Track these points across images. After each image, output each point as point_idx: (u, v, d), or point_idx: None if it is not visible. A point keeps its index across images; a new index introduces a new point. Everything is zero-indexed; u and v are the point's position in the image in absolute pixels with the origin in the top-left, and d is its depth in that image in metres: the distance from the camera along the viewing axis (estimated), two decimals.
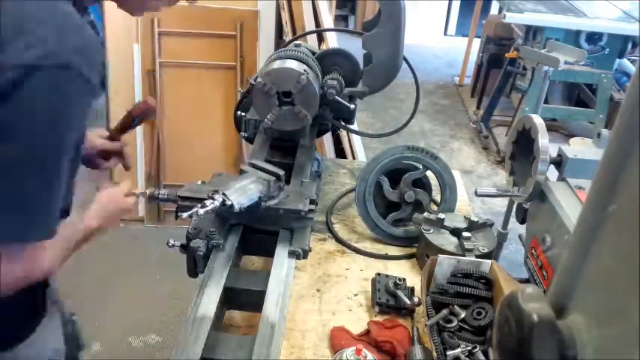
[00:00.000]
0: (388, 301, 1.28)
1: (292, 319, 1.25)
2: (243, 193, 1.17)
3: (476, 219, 1.48)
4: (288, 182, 1.45)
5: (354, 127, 1.93)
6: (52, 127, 0.92)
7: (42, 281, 1.23)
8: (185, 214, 1.11)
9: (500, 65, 4.69)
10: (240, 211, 1.23)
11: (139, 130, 3.24)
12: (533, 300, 0.49)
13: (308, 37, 2.82)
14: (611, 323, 0.46)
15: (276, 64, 1.40)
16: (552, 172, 1.28)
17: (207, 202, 1.11)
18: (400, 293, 1.27)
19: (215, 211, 1.16)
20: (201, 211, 1.10)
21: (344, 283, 1.40)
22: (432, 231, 1.46)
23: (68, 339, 1.51)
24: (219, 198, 1.12)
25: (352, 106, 1.58)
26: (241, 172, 1.26)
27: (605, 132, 1.36)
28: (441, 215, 1.47)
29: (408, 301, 1.26)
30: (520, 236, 1.47)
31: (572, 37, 4.11)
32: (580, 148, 1.32)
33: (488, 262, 1.27)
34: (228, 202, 1.13)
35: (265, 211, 1.24)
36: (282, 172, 1.26)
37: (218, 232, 1.22)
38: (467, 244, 1.39)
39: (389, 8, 1.46)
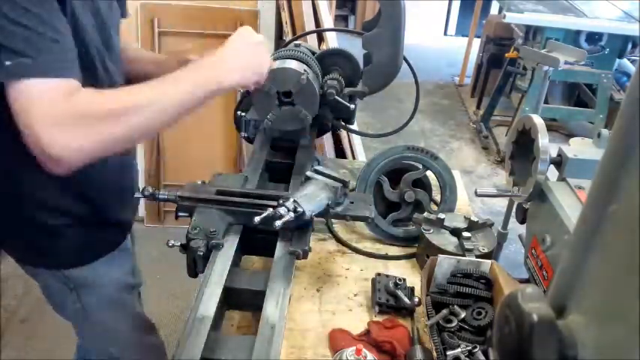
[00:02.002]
0: (388, 301, 1.28)
1: (292, 319, 1.25)
2: (312, 199, 1.18)
3: (476, 219, 1.48)
4: (288, 182, 1.45)
5: (354, 127, 1.93)
6: None
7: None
8: (258, 219, 1.11)
9: (500, 65, 4.69)
10: (240, 211, 1.23)
11: None
12: (533, 300, 0.49)
13: (308, 37, 2.82)
14: (611, 323, 0.46)
15: (276, 64, 1.40)
16: (552, 172, 1.28)
17: (282, 211, 1.11)
18: (400, 293, 1.27)
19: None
20: (279, 223, 1.10)
21: (344, 283, 1.40)
22: (432, 231, 1.46)
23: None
24: (290, 205, 1.13)
25: (352, 106, 1.58)
26: (307, 178, 1.27)
27: (605, 132, 1.36)
28: (441, 215, 1.47)
29: (408, 301, 1.26)
30: (520, 236, 1.47)
31: (572, 37, 4.11)
32: (580, 148, 1.32)
33: (488, 262, 1.27)
34: (300, 210, 1.13)
35: (334, 217, 1.26)
36: (347, 180, 1.27)
37: (218, 232, 1.22)
38: (467, 244, 1.39)
39: (389, 8, 1.46)
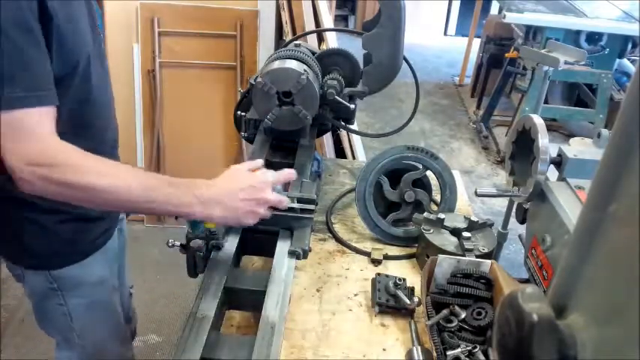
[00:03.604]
0: (388, 301, 1.28)
1: (292, 319, 1.25)
2: None
3: (476, 219, 1.48)
4: (288, 182, 1.45)
5: (354, 127, 1.93)
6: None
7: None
8: None
9: (500, 65, 4.69)
10: None
11: (139, 129, 3.24)
12: (533, 300, 0.49)
13: (308, 37, 2.82)
14: (611, 323, 0.46)
15: (276, 64, 1.40)
16: (552, 172, 1.28)
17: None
18: (400, 293, 1.27)
19: None
20: None
21: (344, 283, 1.40)
22: (432, 231, 1.46)
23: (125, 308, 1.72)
24: None
25: (352, 106, 1.58)
26: None
27: (605, 132, 1.36)
28: (441, 215, 1.47)
29: (408, 301, 1.26)
30: (520, 236, 1.47)
31: (572, 37, 4.11)
32: (580, 148, 1.32)
33: (488, 262, 1.27)
34: None
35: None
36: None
37: (218, 232, 1.22)
38: (467, 244, 1.39)
39: (389, 8, 1.46)
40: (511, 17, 4.12)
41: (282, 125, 1.46)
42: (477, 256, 1.35)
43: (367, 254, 1.50)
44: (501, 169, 4.41)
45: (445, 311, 1.21)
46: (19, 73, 1.00)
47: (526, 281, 1.35)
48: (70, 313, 1.42)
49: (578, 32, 4.13)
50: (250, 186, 1.12)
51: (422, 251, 1.47)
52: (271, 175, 1.16)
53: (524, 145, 1.30)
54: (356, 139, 2.90)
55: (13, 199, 1.24)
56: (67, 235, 1.33)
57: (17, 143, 1.00)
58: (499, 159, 4.52)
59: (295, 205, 1.25)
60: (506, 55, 4.43)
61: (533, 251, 1.28)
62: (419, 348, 1.15)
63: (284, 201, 1.17)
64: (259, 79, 1.40)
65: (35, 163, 1.00)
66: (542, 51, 3.09)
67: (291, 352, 1.18)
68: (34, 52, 1.02)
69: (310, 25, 3.00)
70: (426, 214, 1.49)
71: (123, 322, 1.59)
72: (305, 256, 1.23)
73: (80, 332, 1.47)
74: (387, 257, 1.50)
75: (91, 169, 1.02)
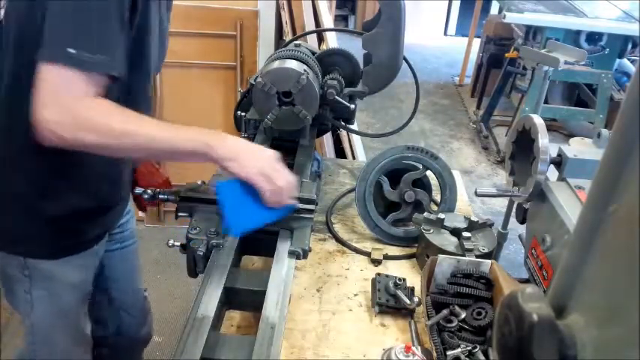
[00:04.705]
0: (388, 301, 1.28)
1: (292, 319, 1.25)
2: None
3: (476, 219, 1.48)
4: None
5: (354, 127, 1.93)
6: None
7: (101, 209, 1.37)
8: None
9: (500, 65, 4.69)
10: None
11: None
12: (533, 300, 0.49)
13: (308, 37, 2.82)
14: (610, 323, 0.46)
15: (276, 64, 1.40)
16: (552, 172, 1.28)
17: None
18: (400, 293, 1.27)
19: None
20: None
21: (344, 283, 1.40)
22: (432, 231, 1.46)
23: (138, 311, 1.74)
24: None
25: (352, 106, 1.58)
26: None
27: (605, 132, 1.36)
28: (441, 215, 1.47)
29: (408, 301, 1.26)
30: (520, 236, 1.47)
31: (572, 37, 4.11)
32: (580, 148, 1.32)
33: (488, 262, 1.27)
34: None
35: None
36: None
37: (218, 232, 1.22)
38: (467, 244, 1.39)
39: (389, 8, 1.46)
40: (511, 17, 4.12)
41: (282, 125, 1.46)
42: (477, 256, 1.35)
43: (367, 254, 1.50)
44: (501, 169, 4.41)
45: (445, 311, 1.21)
46: (95, 33, 1.04)
47: (526, 281, 1.35)
48: (32, 302, 1.38)
49: (578, 32, 4.13)
50: (274, 168, 1.19)
51: (422, 251, 1.47)
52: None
53: (524, 145, 1.30)
54: (356, 139, 2.90)
55: (15, 167, 1.24)
56: (48, 229, 1.30)
57: (60, 102, 1.03)
58: (499, 159, 4.52)
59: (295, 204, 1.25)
60: (506, 55, 4.43)
61: (533, 251, 1.28)
62: (419, 348, 1.15)
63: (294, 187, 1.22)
64: (259, 79, 1.40)
65: (74, 112, 1.04)
66: (542, 51, 3.09)
67: (291, 352, 1.18)
68: (116, 19, 1.06)
69: (310, 25, 3.00)
70: (426, 214, 1.49)
71: (84, 330, 1.52)
72: (305, 256, 1.23)
73: (36, 325, 1.43)
74: (387, 257, 1.50)
75: (129, 119, 1.10)
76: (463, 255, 1.36)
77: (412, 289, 1.31)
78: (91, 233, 1.38)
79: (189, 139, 1.13)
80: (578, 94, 4.70)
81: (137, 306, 1.76)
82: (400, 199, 1.57)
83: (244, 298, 1.18)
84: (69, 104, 1.03)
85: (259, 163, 1.17)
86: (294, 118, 1.43)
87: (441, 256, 1.28)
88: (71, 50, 1.01)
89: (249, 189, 1.17)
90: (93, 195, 1.33)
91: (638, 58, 4.33)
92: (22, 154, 1.21)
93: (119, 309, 1.69)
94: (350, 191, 1.77)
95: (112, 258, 1.54)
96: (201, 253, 1.18)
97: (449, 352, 1.12)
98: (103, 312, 1.65)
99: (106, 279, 1.58)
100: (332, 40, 2.94)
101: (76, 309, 1.46)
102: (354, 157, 2.80)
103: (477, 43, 5.76)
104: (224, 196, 1.19)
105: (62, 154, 1.10)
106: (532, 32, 4.26)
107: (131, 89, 1.23)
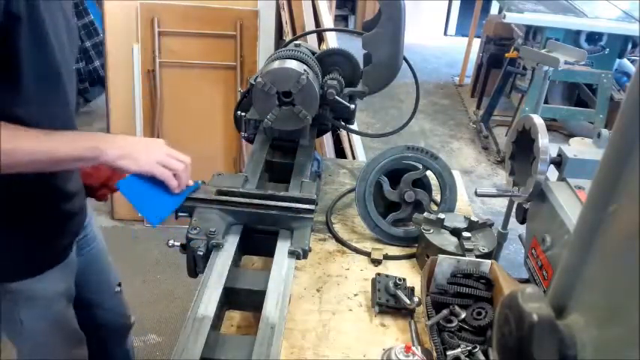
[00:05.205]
0: (388, 301, 1.28)
1: (292, 319, 1.25)
2: None
3: (476, 219, 1.48)
4: (288, 182, 1.45)
5: (354, 127, 1.93)
6: None
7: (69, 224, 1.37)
8: None
9: (500, 65, 4.69)
10: (240, 211, 1.23)
11: (139, 129, 3.24)
12: (533, 300, 0.49)
13: (308, 37, 2.82)
14: (611, 323, 0.46)
15: (276, 64, 1.40)
16: (552, 172, 1.28)
17: None
18: (400, 293, 1.27)
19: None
20: None
21: (344, 283, 1.40)
22: (432, 231, 1.46)
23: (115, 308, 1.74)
24: None
25: (352, 106, 1.58)
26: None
27: (605, 132, 1.36)
28: (441, 215, 1.47)
29: (408, 301, 1.26)
30: (520, 236, 1.47)
31: (572, 37, 4.11)
32: (580, 148, 1.32)
33: (488, 262, 1.27)
34: None
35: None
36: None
37: (218, 232, 1.22)
38: (467, 244, 1.39)
39: (389, 8, 1.46)
40: (511, 17, 4.12)
41: (282, 125, 1.46)
42: (477, 256, 1.35)
43: (367, 254, 1.50)
44: (501, 169, 4.41)
45: (445, 311, 1.21)
46: None
47: (526, 281, 1.35)
48: (21, 321, 1.39)
49: (578, 32, 4.13)
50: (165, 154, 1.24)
51: (422, 251, 1.47)
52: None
53: (524, 145, 1.30)
54: (356, 139, 2.90)
55: None
56: (21, 251, 1.31)
57: None
58: (499, 159, 4.52)
59: (295, 204, 1.25)
60: (506, 55, 4.43)
61: (533, 251, 1.28)
62: (419, 348, 1.15)
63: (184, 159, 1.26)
64: (259, 79, 1.40)
65: None
66: (542, 51, 3.09)
67: (291, 352, 1.18)
68: None
69: (310, 25, 3.00)
70: (426, 214, 1.49)
71: (76, 329, 1.54)
72: (305, 256, 1.23)
73: (32, 340, 1.45)
74: (387, 257, 1.50)
75: (8, 134, 1.07)
76: (463, 255, 1.36)
77: (412, 289, 1.31)
78: (60, 245, 1.39)
79: (74, 147, 1.13)
80: (578, 94, 4.71)
81: (110, 301, 1.76)
82: (400, 199, 1.57)
83: (244, 298, 1.17)
84: None
85: (152, 154, 1.20)
86: (294, 118, 1.43)
87: (441, 256, 1.28)
88: None
89: (148, 179, 1.21)
90: (51, 210, 1.33)
91: (638, 58, 4.33)
92: None
93: (92, 306, 1.69)
94: (350, 191, 1.77)
95: (80, 263, 1.52)
96: (201, 253, 1.18)
97: (449, 352, 1.12)
98: (78, 313, 1.63)
99: (77, 284, 1.56)
100: (332, 40, 2.94)
101: (65, 313, 1.48)
102: (354, 157, 2.80)
103: (477, 43, 5.76)
104: (128, 193, 1.21)
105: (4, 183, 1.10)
106: (532, 32, 4.26)
107: (44, 98, 1.20)
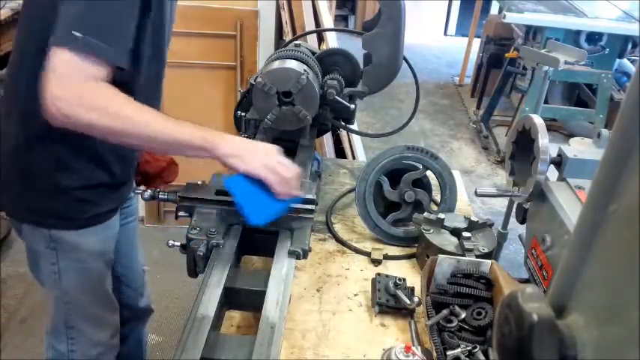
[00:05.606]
0: (388, 301, 1.28)
1: (292, 319, 1.25)
2: None
3: (476, 219, 1.48)
4: None
5: (354, 127, 1.93)
6: None
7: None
8: None
9: (500, 65, 4.69)
10: (240, 212, 1.23)
11: None
12: (533, 300, 0.49)
13: (308, 37, 2.82)
14: (611, 323, 0.46)
15: (276, 64, 1.40)
16: (552, 172, 1.28)
17: None
18: (400, 293, 1.27)
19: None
20: None
21: (344, 283, 1.40)
22: (432, 231, 1.46)
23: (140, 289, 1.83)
24: None
25: (352, 106, 1.58)
26: None
27: (605, 132, 1.36)
28: (441, 215, 1.47)
29: (408, 301, 1.26)
30: (520, 236, 1.47)
31: (572, 37, 4.11)
32: (580, 148, 1.32)
33: (488, 262, 1.27)
34: None
35: None
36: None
37: (218, 232, 1.22)
38: (467, 244, 1.39)
39: (389, 8, 1.46)
40: (511, 17, 4.12)
41: (282, 125, 1.46)
42: (477, 256, 1.35)
43: (367, 254, 1.50)
44: (501, 169, 4.41)
45: (445, 311, 1.21)
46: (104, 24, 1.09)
47: (526, 281, 1.35)
48: (59, 273, 1.43)
49: (578, 32, 4.13)
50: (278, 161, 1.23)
51: (422, 251, 1.47)
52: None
53: (524, 145, 1.30)
54: (356, 139, 2.90)
55: (39, 146, 1.28)
56: (73, 200, 1.35)
57: (65, 81, 1.07)
58: (499, 159, 4.52)
59: (295, 204, 1.25)
60: (506, 55, 4.43)
61: (533, 251, 1.28)
62: (419, 348, 1.15)
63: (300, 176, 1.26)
64: (259, 79, 1.40)
65: (82, 95, 1.08)
66: (542, 51, 3.09)
67: (291, 352, 1.18)
68: (127, 11, 1.12)
69: (310, 25, 3.00)
70: (426, 214, 1.49)
71: (110, 294, 1.59)
72: (305, 256, 1.23)
73: (67, 293, 1.48)
74: (387, 257, 1.50)
75: (134, 107, 1.14)
76: (463, 255, 1.36)
77: (412, 289, 1.31)
78: (107, 206, 1.43)
79: (191, 133, 1.18)
80: (578, 94, 4.71)
81: (137, 280, 1.81)
82: (400, 199, 1.57)
83: (244, 298, 1.18)
84: (73, 84, 1.07)
85: (263, 158, 1.21)
86: (294, 118, 1.43)
87: (441, 256, 1.28)
88: (77, 34, 1.05)
89: (256, 182, 1.20)
90: (108, 171, 1.38)
91: (638, 58, 4.33)
92: (45, 134, 1.25)
93: (121, 283, 1.74)
94: (350, 191, 1.77)
95: (119, 234, 1.56)
96: (201, 253, 1.19)
97: (449, 352, 1.12)
98: None
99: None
100: (332, 40, 2.94)
101: (102, 274, 1.52)
102: (354, 157, 2.80)
103: (477, 43, 5.76)
104: (235, 190, 1.21)
105: (80, 135, 1.14)
106: (532, 32, 4.26)
107: (146, 82, 1.29)
